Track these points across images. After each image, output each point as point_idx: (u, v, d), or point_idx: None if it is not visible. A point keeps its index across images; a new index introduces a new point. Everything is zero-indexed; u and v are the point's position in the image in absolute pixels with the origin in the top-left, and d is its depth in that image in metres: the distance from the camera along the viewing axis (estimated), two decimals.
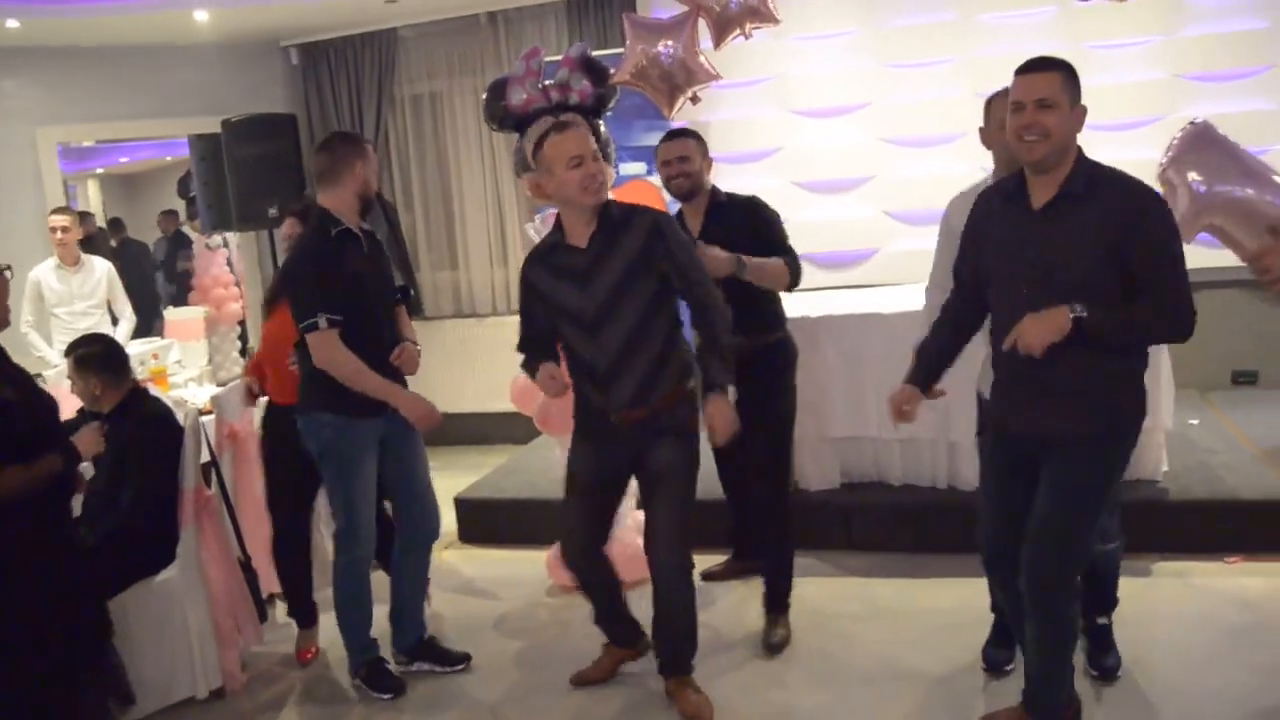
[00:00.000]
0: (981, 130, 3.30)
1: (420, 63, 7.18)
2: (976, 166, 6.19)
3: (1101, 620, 3.38)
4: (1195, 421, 5.20)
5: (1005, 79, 6.12)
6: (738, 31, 3.95)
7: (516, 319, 3.40)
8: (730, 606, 4.13)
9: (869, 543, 4.59)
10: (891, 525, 4.59)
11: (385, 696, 3.63)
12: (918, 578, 4.23)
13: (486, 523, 5.19)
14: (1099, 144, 6.08)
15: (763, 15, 3.91)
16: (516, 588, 4.54)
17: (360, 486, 3.54)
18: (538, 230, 4.50)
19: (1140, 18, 5.57)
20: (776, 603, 3.88)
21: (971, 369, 3.25)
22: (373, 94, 7.16)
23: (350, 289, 3.43)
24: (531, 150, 3.09)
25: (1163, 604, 3.76)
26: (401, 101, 7.26)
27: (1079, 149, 2.69)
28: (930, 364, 3.02)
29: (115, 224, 10.34)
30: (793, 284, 3.79)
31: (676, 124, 5.99)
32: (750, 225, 3.76)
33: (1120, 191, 2.61)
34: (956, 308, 2.99)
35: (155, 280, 9.60)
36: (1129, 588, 3.85)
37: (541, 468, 5.38)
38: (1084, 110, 2.66)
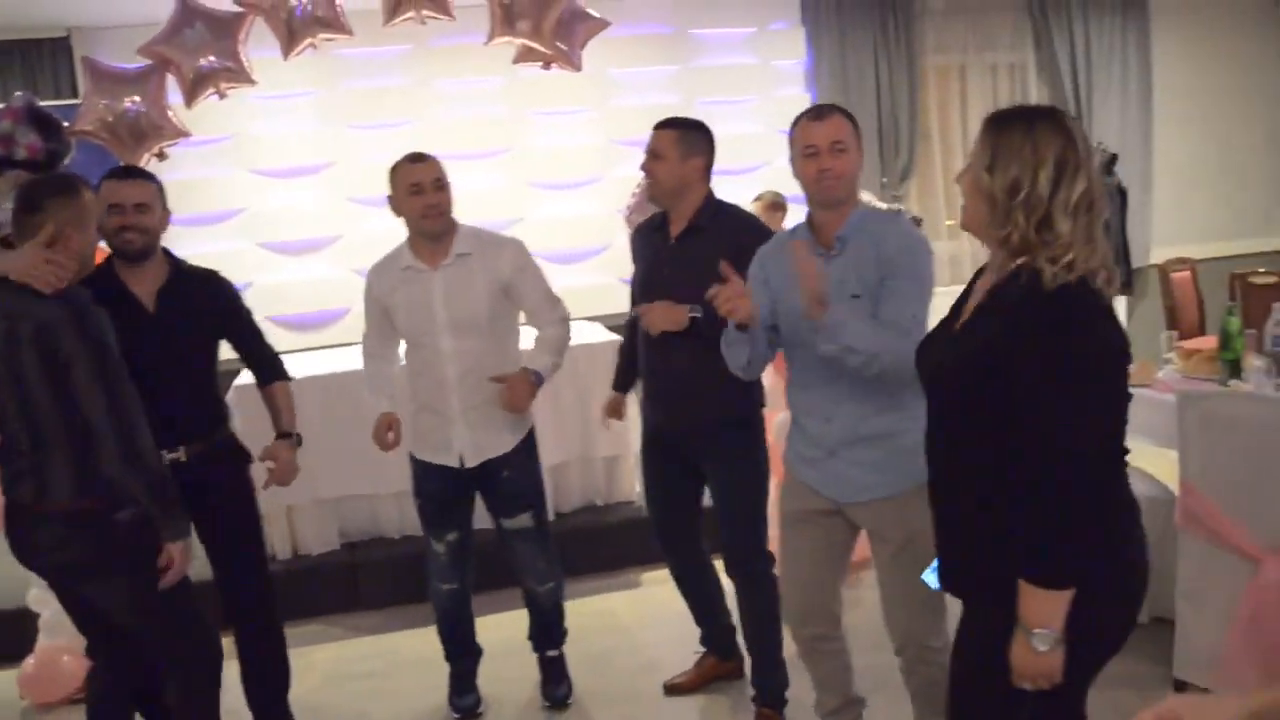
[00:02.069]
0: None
1: None
2: None
3: (551, 653, 3.68)
4: None
5: (455, 141, 6.49)
6: (211, 90, 3.81)
7: None
8: None
9: (378, 599, 4.58)
10: (398, 578, 4.63)
11: None
12: (430, 625, 4.28)
13: None
14: (544, 200, 6.66)
15: (238, 76, 3.81)
16: None
17: None
18: None
19: (576, 90, 6.17)
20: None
21: None
22: None
23: None
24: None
25: (656, 608, 4.17)
26: None
27: (709, 192, 3.22)
28: None
29: None
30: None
31: None
32: (216, 306, 3.19)
33: (734, 225, 3.14)
34: None
35: None
36: (626, 599, 4.24)
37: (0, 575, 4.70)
38: (701, 162, 3.21)
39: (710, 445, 3.23)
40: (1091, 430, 1.81)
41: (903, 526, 2.60)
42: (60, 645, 3.88)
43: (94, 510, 2.63)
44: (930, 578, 2.16)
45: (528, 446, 3.48)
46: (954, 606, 2.10)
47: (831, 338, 2.48)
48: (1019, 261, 1.87)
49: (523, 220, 6.16)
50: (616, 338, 5.00)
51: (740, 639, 3.48)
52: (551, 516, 4.57)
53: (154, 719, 3.09)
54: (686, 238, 3.21)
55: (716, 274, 2.95)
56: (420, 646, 4.10)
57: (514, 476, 3.43)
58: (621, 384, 3.79)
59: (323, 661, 4.08)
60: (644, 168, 3.26)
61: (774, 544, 3.19)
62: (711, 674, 3.69)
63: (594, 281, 6.27)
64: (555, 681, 3.68)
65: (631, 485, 5.04)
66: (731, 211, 3.26)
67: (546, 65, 3.96)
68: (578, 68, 4.01)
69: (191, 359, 3.11)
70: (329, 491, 4.73)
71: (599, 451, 4.98)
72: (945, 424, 2.04)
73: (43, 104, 3.90)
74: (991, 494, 1.92)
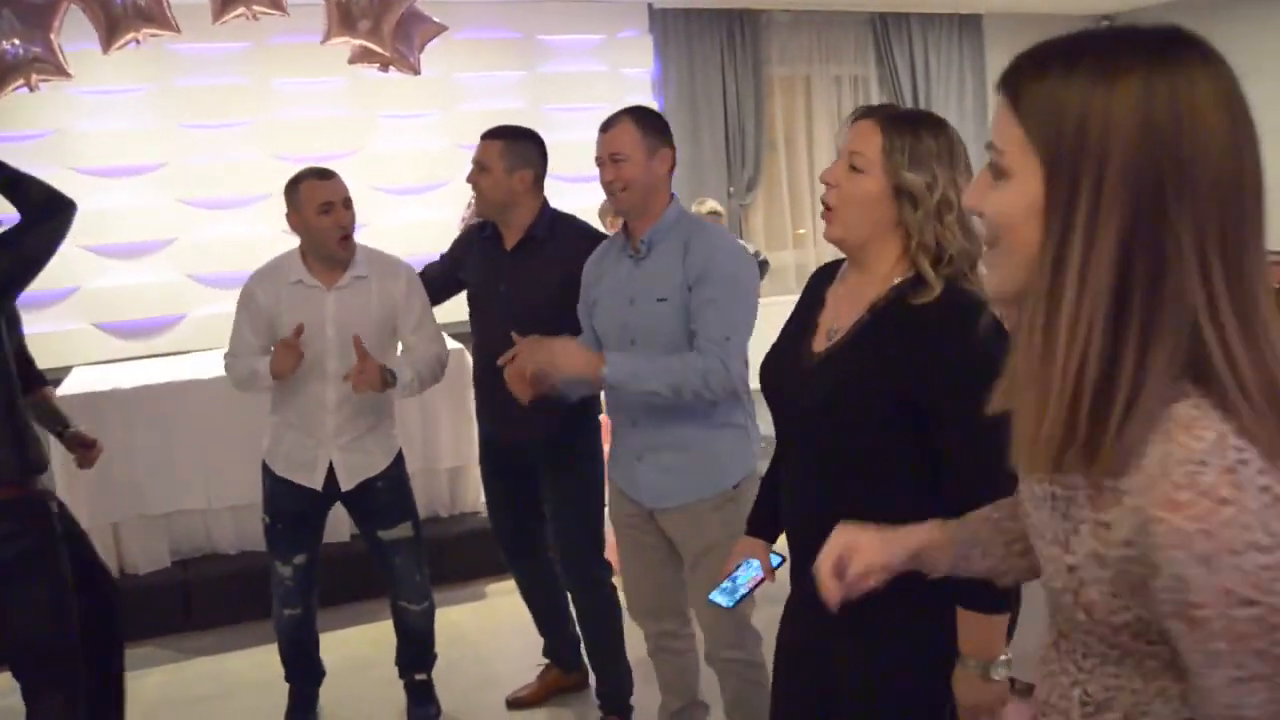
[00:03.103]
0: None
1: None
2: (279, 229, 6.29)
3: (420, 677, 3.55)
4: None
5: (303, 143, 6.32)
6: (21, 82, 3.59)
7: None
8: None
9: (212, 618, 4.40)
10: (233, 596, 4.45)
11: None
12: (268, 644, 4.13)
13: None
14: (389, 205, 6.54)
15: (51, 67, 3.60)
16: None
17: None
18: None
19: (421, 93, 6.08)
20: None
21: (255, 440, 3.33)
22: None
23: None
24: None
25: (501, 620, 4.11)
26: None
27: (544, 203, 3.14)
28: None
29: None
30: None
31: None
32: None
33: (574, 236, 3.05)
34: None
35: None
36: (470, 611, 4.19)
37: None
38: (530, 174, 3.10)
39: (545, 454, 3.20)
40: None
41: (701, 535, 2.60)
42: None
43: (37, 497, 2.64)
44: (720, 598, 2.08)
45: (398, 460, 3.40)
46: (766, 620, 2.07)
47: (629, 390, 2.50)
48: (907, 275, 1.75)
49: (368, 225, 6.01)
50: (460, 346, 4.93)
51: (584, 650, 3.47)
52: None
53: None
54: (523, 250, 3.14)
55: (556, 287, 2.93)
56: (258, 667, 3.95)
57: (389, 487, 3.34)
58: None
59: (153, 686, 3.89)
60: (470, 179, 3.16)
61: (612, 551, 3.18)
62: (554, 686, 3.65)
63: None
64: (421, 704, 3.54)
65: (476, 496, 4.96)
66: (570, 222, 3.20)
67: (384, 67, 3.87)
68: (416, 71, 3.93)
69: None
70: (158, 507, 4.51)
71: (442, 463, 4.89)
72: (830, 464, 1.83)
73: None
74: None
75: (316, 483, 3.25)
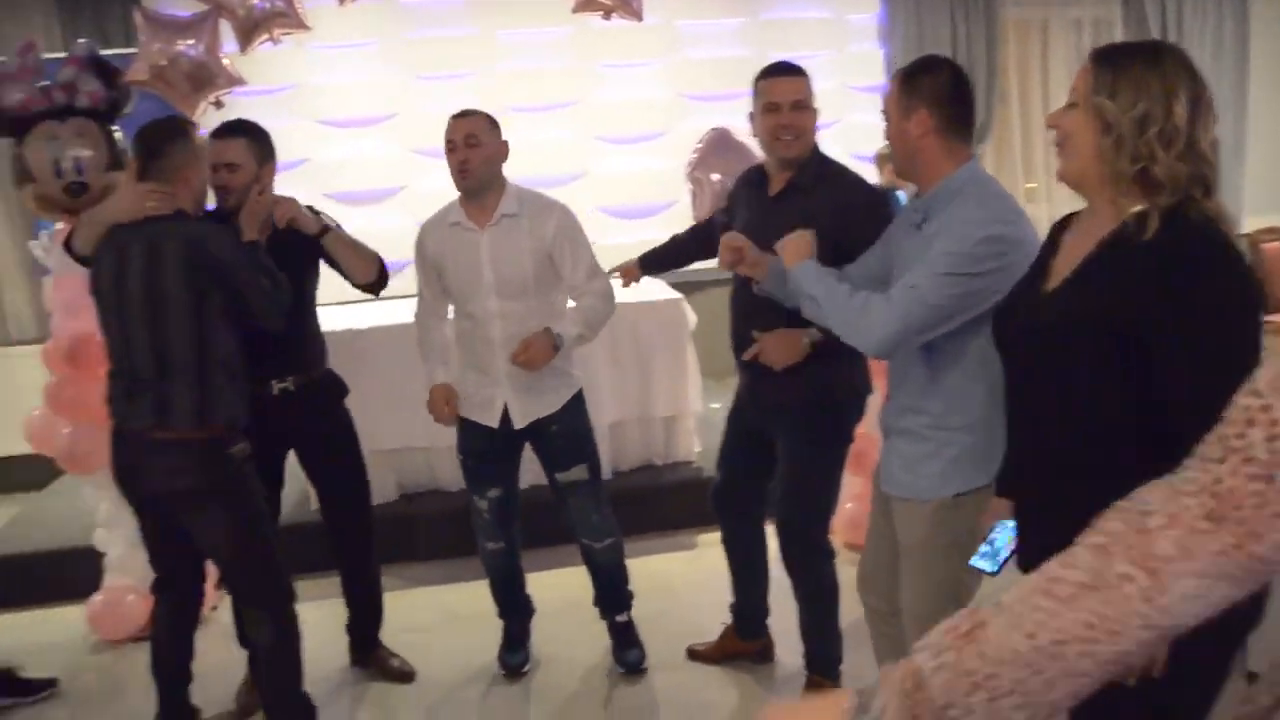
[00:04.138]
0: None
1: None
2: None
3: (620, 618, 3.58)
4: (717, 405, 5.71)
5: (527, 93, 6.38)
6: (265, 36, 3.77)
7: (13, 349, 2.97)
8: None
9: (434, 551, 4.59)
10: (454, 530, 4.61)
11: None
12: (484, 579, 4.28)
13: (7, 582, 4.48)
14: (609, 154, 6.56)
15: (291, 20, 3.76)
16: (55, 651, 3.99)
17: None
18: (45, 248, 4.05)
19: (643, 42, 6.06)
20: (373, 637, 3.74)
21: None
22: None
23: None
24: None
25: (713, 570, 4.10)
26: None
27: (815, 147, 2.99)
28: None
29: None
30: (380, 281, 3.48)
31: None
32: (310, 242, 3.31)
33: (840, 185, 2.93)
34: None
35: None
36: (680, 561, 4.20)
37: (67, 514, 4.79)
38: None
39: (787, 421, 3.05)
40: (1237, 382, 1.62)
41: (911, 533, 2.43)
42: (126, 584, 3.98)
43: (212, 440, 2.78)
44: (981, 563, 2.01)
45: (575, 403, 3.40)
46: None
47: (800, 291, 2.41)
48: (1140, 208, 1.67)
49: (587, 174, 6.07)
50: (678, 295, 4.92)
51: (769, 621, 3.52)
52: (609, 475, 4.52)
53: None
54: (786, 197, 2.97)
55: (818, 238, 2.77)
56: (474, 601, 4.07)
57: (564, 431, 3.37)
58: (649, 262, 3.76)
59: None
60: (791, 124, 2.92)
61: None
62: (731, 651, 3.59)
63: (658, 237, 6.11)
64: (624, 646, 3.59)
65: (690, 446, 4.97)
66: (838, 170, 3.00)
67: (607, 15, 3.86)
68: (639, 17, 3.91)
69: (298, 297, 3.24)
70: (387, 443, 4.72)
71: (658, 411, 4.91)
72: (1044, 405, 1.82)
73: (106, 53, 3.91)
74: (1102, 462, 1.71)
75: (493, 420, 3.34)
